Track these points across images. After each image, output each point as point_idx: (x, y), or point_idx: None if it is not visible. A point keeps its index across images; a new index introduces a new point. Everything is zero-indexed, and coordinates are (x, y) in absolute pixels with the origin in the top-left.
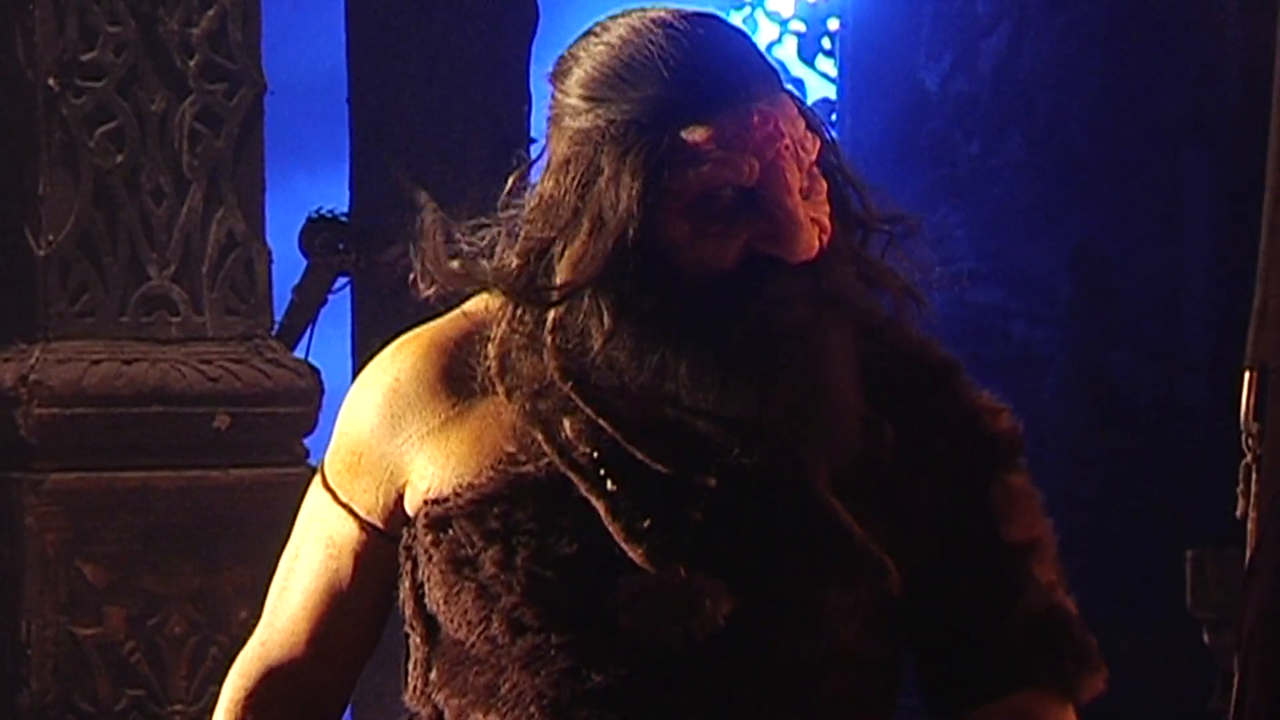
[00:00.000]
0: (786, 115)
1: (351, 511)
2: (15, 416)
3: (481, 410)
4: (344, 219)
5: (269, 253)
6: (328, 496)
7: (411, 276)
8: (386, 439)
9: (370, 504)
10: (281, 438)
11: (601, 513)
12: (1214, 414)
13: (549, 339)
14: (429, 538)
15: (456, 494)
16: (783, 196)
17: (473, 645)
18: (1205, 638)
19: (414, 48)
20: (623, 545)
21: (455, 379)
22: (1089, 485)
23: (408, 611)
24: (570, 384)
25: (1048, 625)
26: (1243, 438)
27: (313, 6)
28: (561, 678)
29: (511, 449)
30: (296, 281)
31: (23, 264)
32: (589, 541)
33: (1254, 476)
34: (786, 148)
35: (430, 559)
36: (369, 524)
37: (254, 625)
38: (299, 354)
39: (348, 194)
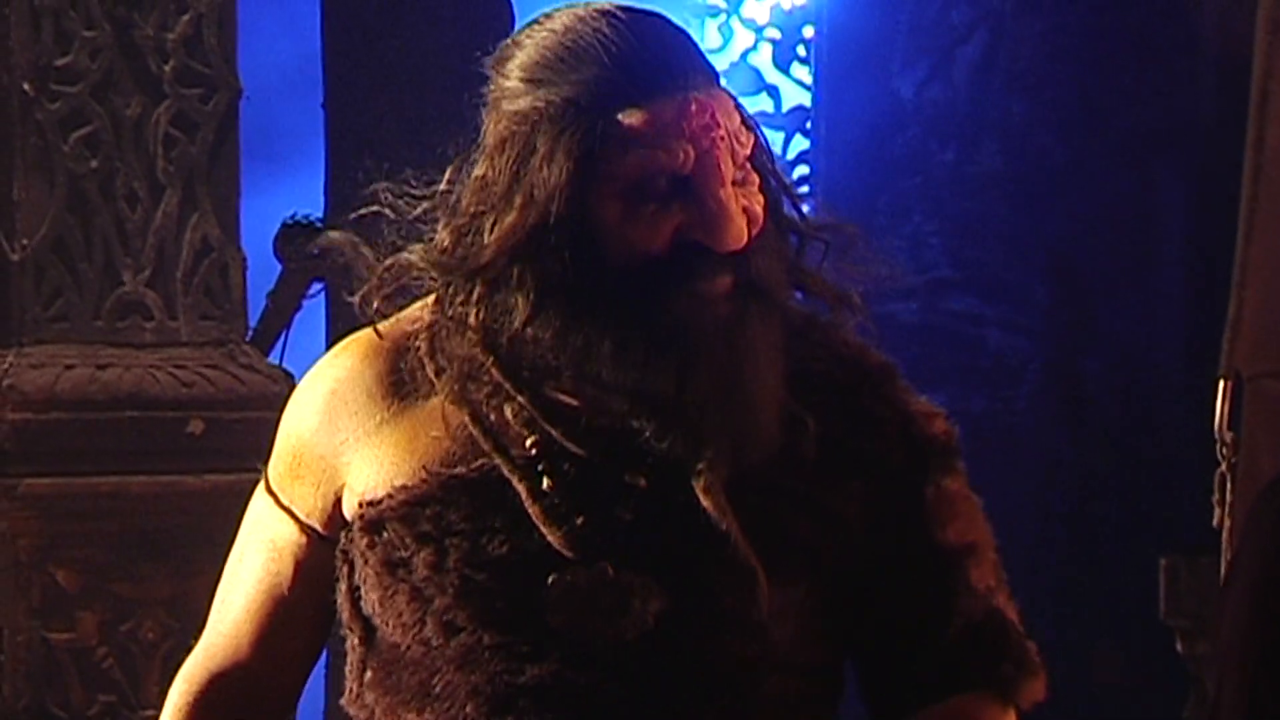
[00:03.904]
0: (723, 107)
1: (292, 515)
2: None
3: (417, 413)
4: (319, 224)
5: (244, 258)
6: (270, 500)
7: (359, 307)
8: (325, 441)
9: (310, 507)
10: (256, 443)
11: (523, 495)
12: (1188, 422)
13: (474, 312)
14: (364, 540)
15: (390, 496)
16: (715, 186)
17: (408, 647)
18: (1178, 646)
19: (389, 53)
20: (543, 528)
21: (393, 382)
22: (1062, 492)
23: (345, 615)
24: (491, 359)
25: (985, 630)
26: (1217, 446)
27: (288, 11)
28: (495, 677)
29: (444, 451)
30: (271, 287)
31: None
32: (521, 541)
33: (1229, 485)
34: (721, 138)
35: (366, 561)
36: (309, 527)
37: None
38: (273, 359)
39: (322, 200)
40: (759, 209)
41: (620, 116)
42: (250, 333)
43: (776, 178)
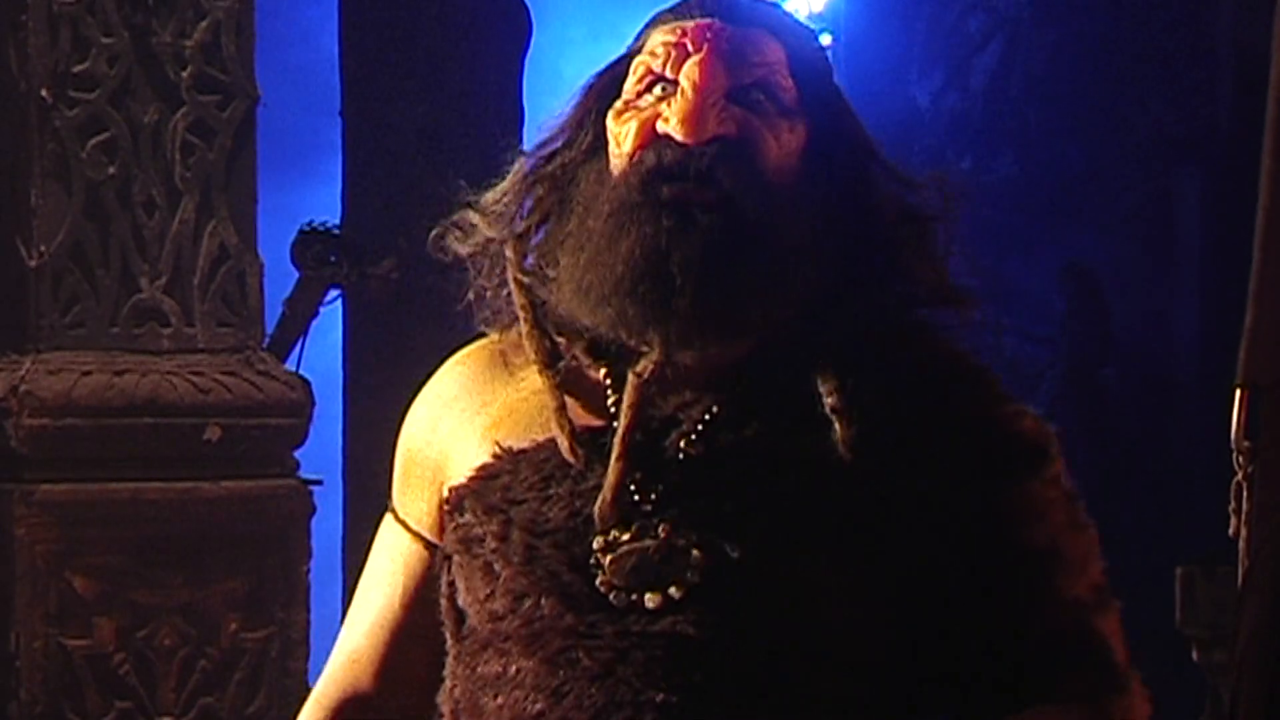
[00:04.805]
0: (751, 41)
1: (406, 526)
2: (6, 427)
3: (513, 396)
4: (335, 231)
5: (261, 265)
6: (390, 518)
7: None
8: (429, 442)
9: (420, 514)
10: (272, 450)
11: (567, 451)
12: (1204, 430)
13: (514, 249)
14: (451, 524)
15: (470, 477)
16: (689, 82)
17: (480, 629)
18: (1194, 654)
19: (407, 61)
20: (558, 433)
21: (493, 373)
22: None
23: (443, 610)
24: (522, 289)
25: (1071, 642)
26: (1233, 456)
27: (305, 19)
28: (556, 657)
29: (521, 426)
30: (288, 294)
31: (14, 275)
32: (581, 508)
33: (1245, 495)
34: (718, 50)
35: (453, 545)
36: (421, 536)
37: (243, 637)
38: (290, 366)
39: (339, 206)
40: (763, 137)
41: (649, 38)
42: (267, 339)
43: (849, 144)
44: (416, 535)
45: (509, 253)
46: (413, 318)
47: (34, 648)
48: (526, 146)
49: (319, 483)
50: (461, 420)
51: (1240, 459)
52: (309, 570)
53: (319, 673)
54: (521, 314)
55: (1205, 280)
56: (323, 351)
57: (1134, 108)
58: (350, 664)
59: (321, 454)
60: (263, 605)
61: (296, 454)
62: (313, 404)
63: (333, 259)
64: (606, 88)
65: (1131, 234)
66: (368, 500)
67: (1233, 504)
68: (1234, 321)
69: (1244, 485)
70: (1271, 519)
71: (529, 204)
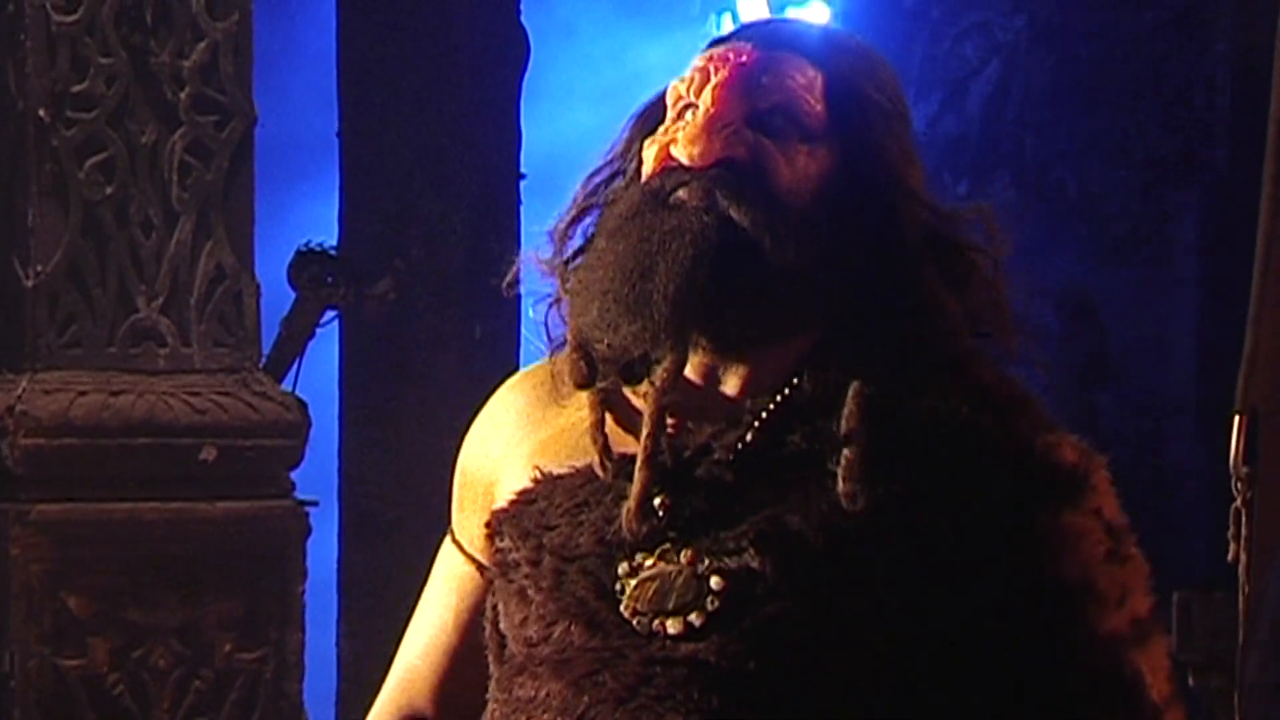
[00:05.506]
0: (777, 65)
1: (460, 547)
2: (1, 447)
3: (554, 426)
4: (332, 252)
5: (258, 285)
6: (448, 538)
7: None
8: (481, 465)
9: (472, 536)
10: (268, 470)
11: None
12: (1201, 456)
13: (561, 274)
14: (492, 548)
15: (510, 501)
16: (702, 106)
17: (516, 653)
18: (1190, 680)
19: (404, 81)
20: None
21: (542, 402)
22: None
23: (487, 635)
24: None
25: (1099, 678)
26: (1232, 482)
27: (303, 39)
28: (582, 681)
29: (562, 452)
30: (285, 314)
31: (11, 294)
32: (610, 533)
33: (1244, 521)
34: (738, 74)
35: (494, 569)
36: (474, 559)
37: (238, 658)
38: (286, 386)
39: (336, 228)
40: (774, 161)
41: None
42: (264, 360)
43: (877, 169)
44: (470, 557)
45: (558, 278)
46: (409, 339)
47: (28, 668)
48: (524, 169)
49: (314, 503)
50: (511, 443)
51: (1239, 485)
52: (304, 591)
53: (313, 694)
54: (570, 337)
55: (1202, 304)
56: (319, 372)
57: (1131, 132)
58: (406, 684)
59: (317, 475)
60: (258, 626)
61: (292, 475)
62: (309, 425)
63: (329, 280)
64: (650, 115)
65: (1128, 258)
66: (363, 521)
67: (1232, 530)
68: (1231, 346)
69: (1243, 511)
70: (1272, 546)
71: (579, 231)
